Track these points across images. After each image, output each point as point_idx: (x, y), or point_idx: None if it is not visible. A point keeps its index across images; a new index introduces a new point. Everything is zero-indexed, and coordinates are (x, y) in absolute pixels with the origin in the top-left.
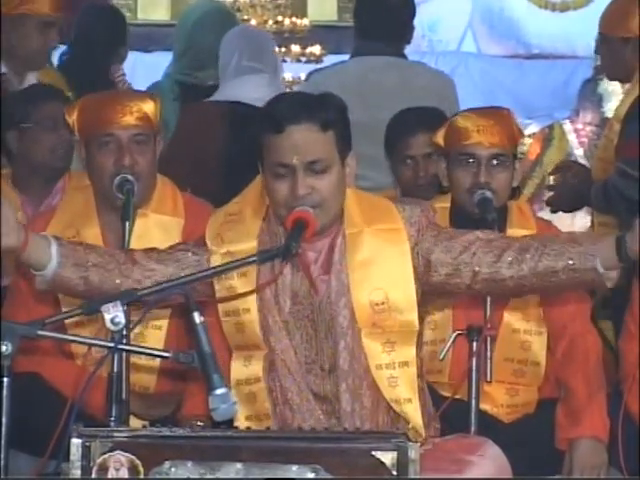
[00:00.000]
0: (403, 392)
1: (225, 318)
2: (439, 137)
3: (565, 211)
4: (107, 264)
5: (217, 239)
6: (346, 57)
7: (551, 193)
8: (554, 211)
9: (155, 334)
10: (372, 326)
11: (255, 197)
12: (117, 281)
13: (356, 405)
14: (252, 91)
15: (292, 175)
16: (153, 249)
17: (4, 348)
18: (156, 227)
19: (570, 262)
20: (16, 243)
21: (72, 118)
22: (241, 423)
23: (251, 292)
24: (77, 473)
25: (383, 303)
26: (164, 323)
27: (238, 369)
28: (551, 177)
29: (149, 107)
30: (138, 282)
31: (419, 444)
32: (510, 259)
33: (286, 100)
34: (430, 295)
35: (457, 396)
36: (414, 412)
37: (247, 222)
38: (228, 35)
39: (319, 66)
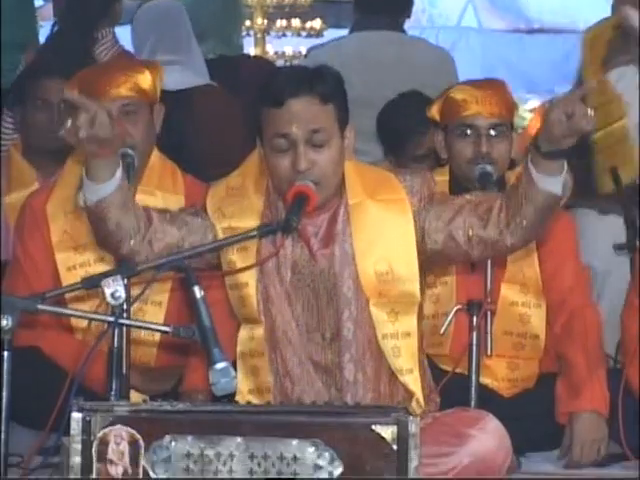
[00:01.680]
0: (405, 362)
1: (230, 291)
2: (434, 111)
3: None
4: (139, 218)
5: (218, 213)
6: (346, 31)
7: None
8: None
9: (154, 310)
10: (378, 295)
11: (255, 171)
12: (132, 242)
13: (359, 375)
14: (165, 78)
15: (293, 149)
16: (166, 210)
17: (4, 322)
18: (156, 204)
19: (523, 200)
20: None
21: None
22: (244, 396)
23: (252, 266)
24: (77, 447)
25: (387, 273)
26: (164, 299)
27: (243, 341)
28: None
29: (142, 77)
30: (149, 243)
31: (419, 418)
32: (496, 219)
33: (285, 74)
34: (429, 264)
35: (457, 370)
36: (414, 382)
37: (251, 198)
38: (142, 14)
39: (319, 40)
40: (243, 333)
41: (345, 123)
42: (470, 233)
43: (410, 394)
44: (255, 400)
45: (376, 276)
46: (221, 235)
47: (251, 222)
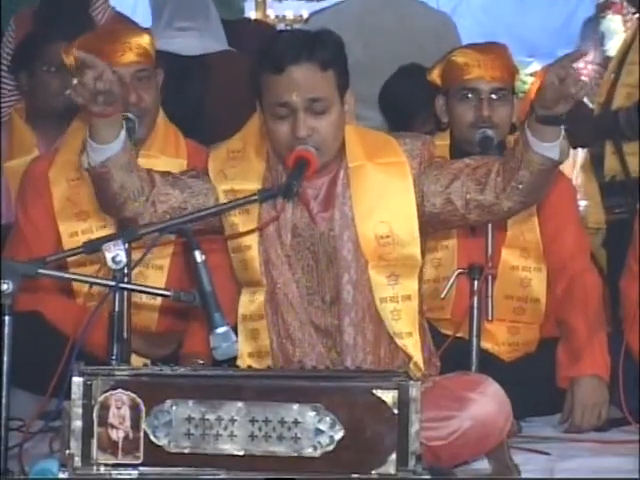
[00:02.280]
0: (404, 326)
1: (232, 255)
2: (435, 75)
3: (572, 147)
4: (142, 180)
5: (220, 175)
6: None
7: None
8: None
9: (156, 274)
10: (378, 259)
11: (255, 135)
12: (135, 204)
13: (359, 338)
14: (182, 43)
15: (293, 115)
16: (168, 172)
17: (5, 287)
18: (159, 167)
19: (519, 164)
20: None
21: (70, 59)
22: (244, 360)
23: (253, 230)
24: (78, 411)
25: (388, 236)
26: (165, 262)
27: (244, 304)
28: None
29: (146, 41)
30: (152, 205)
31: (420, 382)
32: (493, 183)
33: (285, 40)
34: (428, 227)
35: (458, 334)
36: (414, 346)
37: (252, 161)
38: None
39: (320, 4)
40: (244, 297)
41: (345, 88)
42: (467, 197)
43: (409, 357)
44: (255, 363)
45: (376, 239)
46: (222, 197)
47: (253, 185)
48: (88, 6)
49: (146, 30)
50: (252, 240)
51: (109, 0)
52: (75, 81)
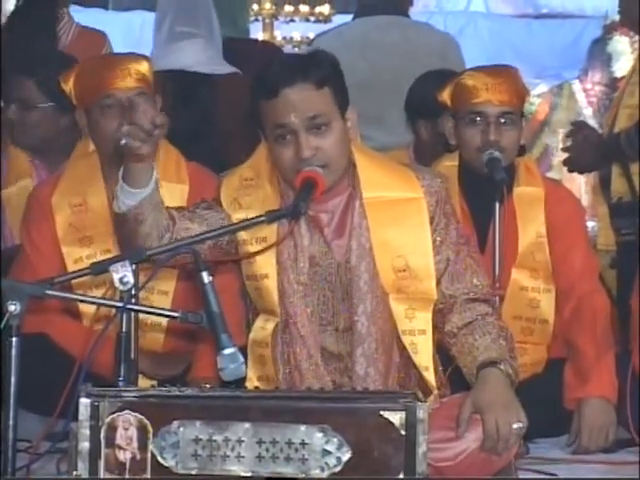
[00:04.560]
0: (422, 360)
1: (247, 282)
2: (445, 96)
3: (579, 172)
4: (167, 217)
5: (234, 204)
6: None
7: (566, 154)
8: (570, 171)
9: (161, 299)
10: (397, 291)
11: (265, 162)
12: (163, 241)
13: (370, 370)
14: (187, 57)
15: (295, 138)
16: (182, 207)
17: (13, 307)
18: (161, 194)
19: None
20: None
21: (69, 86)
22: (252, 383)
23: (267, 249)
24: (86, 433)
25: (404, 270)
26: (170, 288)
27: (256, 329)
28: (566, 138)
29: (145, 68)
30: (175, 241)
31: (427, 404)
32: (450, 326)
33: (277, 63)
34: None
35: None
36: (431, 379)
37: (266, 189)
38: None
39: (328, 26)
40: (258, 321)
41: (345, 105)
42: (449, 294)
43: (430, 390)
44: (263, 387)
45: (394, 272)
46: None
47: None
48: (55, 34)
49: (145, 57)
50: (269, 269)
51: (72, 17)
52: (125, 127)
